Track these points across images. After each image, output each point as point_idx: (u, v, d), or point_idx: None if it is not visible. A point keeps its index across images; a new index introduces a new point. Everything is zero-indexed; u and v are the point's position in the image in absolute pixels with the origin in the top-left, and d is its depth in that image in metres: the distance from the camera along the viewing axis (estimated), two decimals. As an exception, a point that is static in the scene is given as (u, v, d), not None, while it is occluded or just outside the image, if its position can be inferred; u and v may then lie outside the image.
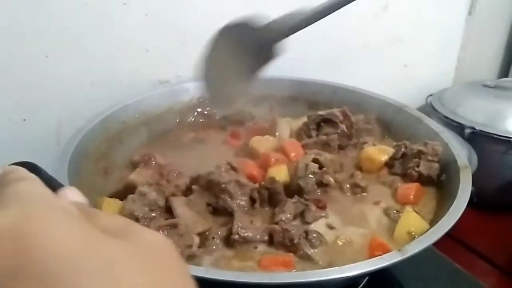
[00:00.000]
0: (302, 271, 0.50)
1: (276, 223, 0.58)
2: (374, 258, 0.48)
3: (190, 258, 0.54)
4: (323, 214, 0.61)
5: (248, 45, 0.73)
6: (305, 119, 0.84)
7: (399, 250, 0.48)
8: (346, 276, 0.45)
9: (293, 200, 0.61)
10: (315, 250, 0.56)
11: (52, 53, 0.80)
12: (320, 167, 0.66)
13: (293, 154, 0.74)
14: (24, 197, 0.25)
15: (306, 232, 0.57)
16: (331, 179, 0.66)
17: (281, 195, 0.63)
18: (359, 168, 0.75)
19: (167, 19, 0.89)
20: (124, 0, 0.83)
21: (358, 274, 0.46)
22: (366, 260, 0.48)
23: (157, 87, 0.92)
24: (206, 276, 0.44)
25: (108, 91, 0.87)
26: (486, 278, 0.92)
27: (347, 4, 0.66)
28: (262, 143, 0.78)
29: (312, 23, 0.69)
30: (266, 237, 0.56)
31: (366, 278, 0.65)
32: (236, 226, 0.55)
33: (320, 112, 0.81)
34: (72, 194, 0.30)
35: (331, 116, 0.81)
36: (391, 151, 0.75)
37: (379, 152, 0.76)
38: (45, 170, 0.34)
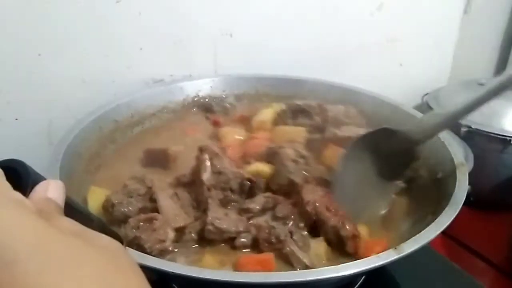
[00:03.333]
0: (299, 271, 0.50)
1: (243, 211, 0.58)
2: (370, 257, 0.47)
3: (163, 254, 0.53)
4: (295, 214, 0.59)
5: (385, 152, 0.65)
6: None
7: (395, 248, 0.47)
8: (342, 275, 0.45)
9: (266, 194, 0.61)
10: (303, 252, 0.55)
11: (45, 51, 0.79)
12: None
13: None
14: None
15: (291, 232, 0.56)
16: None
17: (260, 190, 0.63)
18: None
19: (161, 17, 0.89)
20: (117, -2, 0.83)
21: (354, 273, 0.45)
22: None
23: (150, 86, 0.92)
24: (186, 274, 0.44)
25: (101, 90, 0.86)
26: (482, 276, 0.92)
27: (490, 100, 0.60)
28: (231, 134, 0.79)
29: (457, 120, 0.63)
30: (241, 228, 0.55)
31: (363, 277, 0.64)
32: (210, 217, 0.54)
33: (298, 102, 0.82)
34: (53, 188, 0.31)
35: (307, 107, 0.81)
36: None
37: None
38: (37, 169, 0.33)
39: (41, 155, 0.63)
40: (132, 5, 0.85)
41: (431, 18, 1.23)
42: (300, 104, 0.81)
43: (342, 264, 0.46)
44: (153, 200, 0.60)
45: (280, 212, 0.58)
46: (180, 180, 0.65)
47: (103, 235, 0.29)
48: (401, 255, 0.47)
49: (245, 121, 0.86)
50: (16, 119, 0.81)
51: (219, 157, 0.63)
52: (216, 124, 0.86)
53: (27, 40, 0.77)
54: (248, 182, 0.62)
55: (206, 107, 0.91)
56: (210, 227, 0.54)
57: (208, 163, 0.62)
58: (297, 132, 0.77)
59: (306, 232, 0.58)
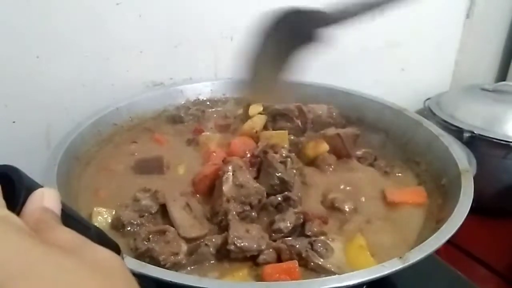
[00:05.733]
0: (299, 281, 0.49)
1: (274, 232, 0.57)
2: (375, 266, 0.46)
3: (176, 267, 0.52)
4: (324, 230, 0.59)
5: (292, 30, 0.69)
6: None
7: (400, 257, 0.46)
8: (346, 285, 0.44)
9: (295, 210, 0.60)
10: (327, 259, 0.54)
11: (43, 54, 0.78)
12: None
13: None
14: None
15: (311, 244, 0.55)
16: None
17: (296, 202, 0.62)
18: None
19: (161, 20, 0.88)
20: (117, 0, 0.82)
21: (358, 282, 0.44)
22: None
23: (150, 89, 0.91)
24: (198, 286, 0.43)
25: (100, 93, 0.85)
26: (485, 284, 0.90)
27: None
28: (211, 139, 0.78)
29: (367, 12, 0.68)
30: (263, 247, 0.54)
31: (364, 286, 0.63)
32: (232, 236, 0.53)
33: (277, 106, 0.82)
34: (49, 197, 0.30)
35: (287, 111, 0.81)
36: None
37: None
38: (35, 173, 0.32)
39: (39, 159, 0.62)
40: (132, 7, 0.84)
41: (433, 23, 1.22)
42: (279, 108, 0.82)
43: (346, 274, 0.45)
44: (165, 218, 0.59)
45: (309, 230, 0.58)
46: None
47: (100, 249, 0.28)
48: (406, 264, 0.46)
49: (225, 128, 0.86)
50: (14, 122, 0.80)
51: (243, 170, 0.63)
52: (197, 132, 0.84)
53: (25, 42, 0.76)
54: (280, 199, 0.61)
55: (174, 119, 0.88)
56: (232, 247, 0.52)
57: (230, 175, 0.61)
58: (282, 136, 0.77)
59: (323, 237, 0.58)
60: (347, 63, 1.11)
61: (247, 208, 0.59)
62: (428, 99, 1.19)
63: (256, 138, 0.77)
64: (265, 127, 0.81)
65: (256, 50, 0.68)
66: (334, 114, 0.85)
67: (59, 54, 0.80)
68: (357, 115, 0.88)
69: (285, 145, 0.73)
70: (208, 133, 0.82)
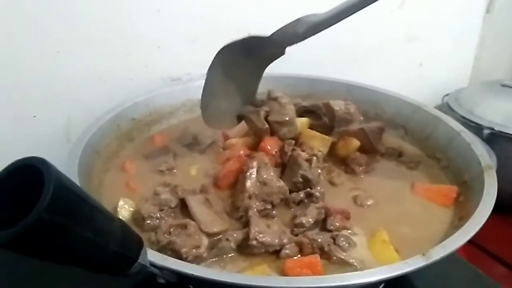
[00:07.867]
0: (320, 276, 0.48)
1: (296, 226, 0.57)
2: (398, 263, 0.46)
3: (197, 260, 0.52)
4: (347, 225, 0.58)
5: (251, 59, 0.74)
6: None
7: (423, 254, 0.46)
8: (368, 281, 0.43)
9: (317, 205, 0.60)
10: (349, 253, 0.54)
11: (63, 49, 0.79)
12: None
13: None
14: None
15: (334, 238, 0.55)
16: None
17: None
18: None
19: (179, 15, 0.88)
20: (136, -5, 0.82)
21: (381, 279, 0.43)
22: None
23: (168, 84, 0.91)
24: (218, 279, 0.43)
25: (119, 88, 0.86)
26: (506, 283, 0.89)
27: (357, 10, 0.66)
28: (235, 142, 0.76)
29: (323, 29, 0.68)
30: (285, 241, 0.54)
31: (382, 284, 0.62)
32: (253, 231, 0.53)
33: (304, 103, 0.81)
34: None
35: (314, 108, 0.80)
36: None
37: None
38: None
39: (59, 153, 0.62)
40: (151, 2, 0.84)
41: (453, 17, 1.20)
42: (306, 105, 0.80)
43: (368, 270, 0.45)
44: (185, 212, 0.59)
45: (331, 225, 0.57)
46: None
47: None
48: (429, 261, 0.45)
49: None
50: (34, 116, 0.81)
51: (268, 168, 0.62)
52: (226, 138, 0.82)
53: (46, 37, 0.77)
54: (302, 195, 0.61)
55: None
56: (254, 242, 0.52)
57: (255, 171, 0.61)
58: (325, 141, 0.75)
59: (349, 230, 0.57)
60: (364, 58, 1.10)
61: (269, 206, 0.59)
62: (447, 95, 1.17)
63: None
64: None
65: (210, 82, 0.72)
66: (352, 110, 0.83)
67: (79, 49, 0.81)
68: (375, 111, 0.87)
69: (322, 150, 0.72)
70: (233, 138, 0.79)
